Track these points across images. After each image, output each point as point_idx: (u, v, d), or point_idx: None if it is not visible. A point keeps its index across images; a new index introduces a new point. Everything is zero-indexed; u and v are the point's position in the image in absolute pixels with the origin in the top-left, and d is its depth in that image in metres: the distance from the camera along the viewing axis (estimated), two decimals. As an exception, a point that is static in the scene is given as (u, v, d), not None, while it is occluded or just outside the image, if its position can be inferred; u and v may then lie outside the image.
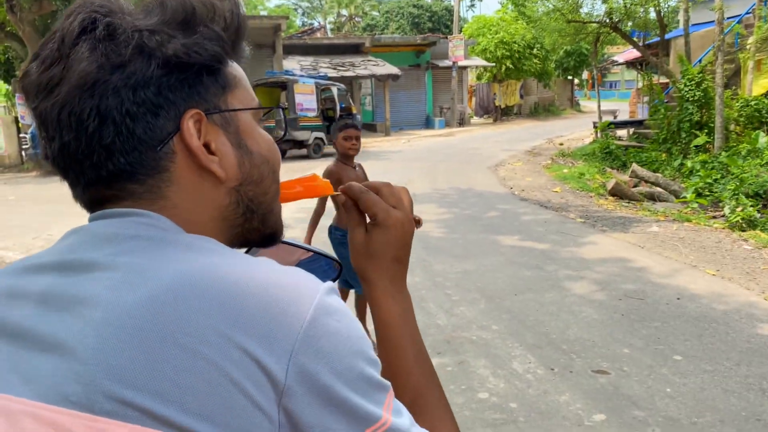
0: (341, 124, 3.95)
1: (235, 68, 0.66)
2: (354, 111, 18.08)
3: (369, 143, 19.99)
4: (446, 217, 8.12)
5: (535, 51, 28.38)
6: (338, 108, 17.31)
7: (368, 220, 0.72)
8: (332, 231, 4.00)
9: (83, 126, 0.56)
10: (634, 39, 16.87)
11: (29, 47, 15.96)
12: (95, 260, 0.53)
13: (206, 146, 0.60)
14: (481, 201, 9.36)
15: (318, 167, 14.15)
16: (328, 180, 0.78)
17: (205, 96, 0.60)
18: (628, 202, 9.11)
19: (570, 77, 36.57)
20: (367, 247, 0.70)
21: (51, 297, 0.52)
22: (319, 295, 0.52)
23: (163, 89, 0.57)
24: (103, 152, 0.56)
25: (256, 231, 0.66)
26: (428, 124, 26.73)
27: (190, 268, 0.51)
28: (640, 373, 3.53)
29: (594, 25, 16.23)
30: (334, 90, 17.49)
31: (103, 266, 0.52)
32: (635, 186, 10.17)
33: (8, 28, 16.54)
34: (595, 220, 7.78)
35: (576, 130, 22.53)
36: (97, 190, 0.59)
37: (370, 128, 24.47)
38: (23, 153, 16.47)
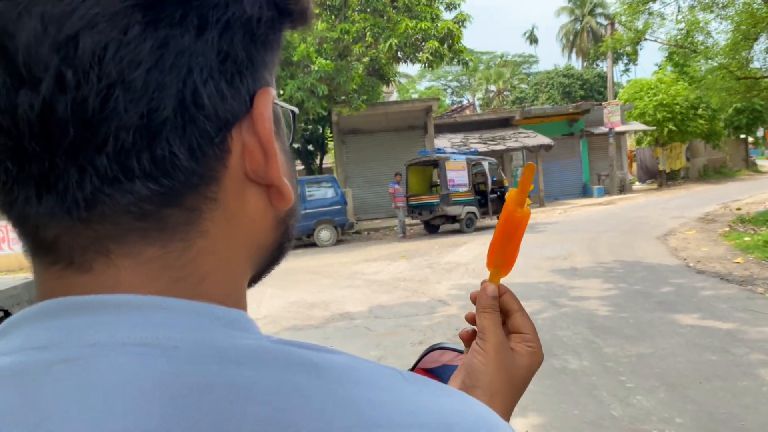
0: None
1: None
2: (506, 183, 18.07)
3: (524, 215, 19.65)
4: (613, 294, 7.64)
5: (700, 111, 26.73)
6: (490, 181, 17.44)
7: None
8: None
9: (118, 75, 0.31)
10: (819, 91, 15.34)
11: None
12: None
13: None
14: (651, 275, 8.72)
15: (471, 241, 14.15)
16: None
17: (272, 72, 0.39)
18: (829, 274, 8.02)
19: (743, 136, 33.82)
20: (508, 363, 0.57)
21: None
22: None
23: (253, 41, 0.35)
24: (142, 133, 0.31)
25: (256, 275, 0.43)
26: (585, 192, 25.84)
27: None
28: None
29: (768, 79, 15.02)
30: (485, 164, 17.63)
31: None
32: (836, 254, 8.95)
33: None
34: (790, 295, 6.91)
35: (755, 192, 20.53)
36: (95, 216, 0.32)
37: (524, 200, 24.14)
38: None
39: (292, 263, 13.44)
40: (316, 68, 15.34)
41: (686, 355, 5.10)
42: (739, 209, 16.09)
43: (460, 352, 0.74)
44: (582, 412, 4.04)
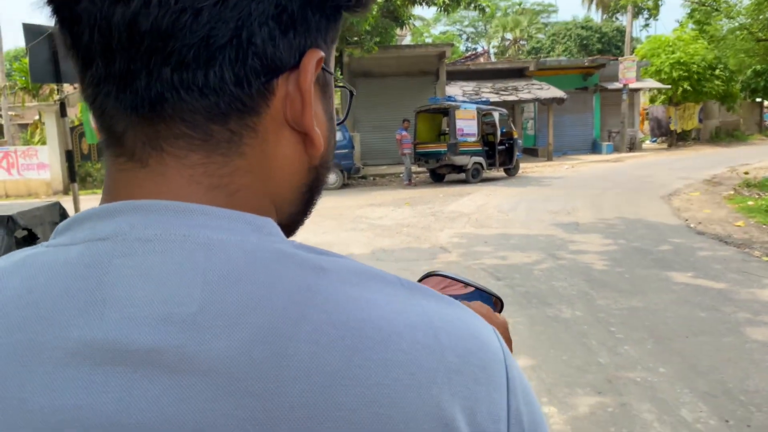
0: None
1: None
2: (515, 135, 17.94)
3: (529, 168, 19.68)
4: (612, 249, 7.78)
5: (717, 72, 26.25)
6: (499, 133, 17.29)
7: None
8: None
9: (193, 3, 0.37)
10: (840, 57, 15.05)
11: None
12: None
13: None
14: (651, 233, 8.84)
15: (476, 192, 14.23)
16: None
17: (327, 40, 0.44)
18: (827, 241, 8.11)
19: (759, 99, 33.28)
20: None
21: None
22: (504, 350, 0.44)
23: (309, 3, 0.41)
24: (202, 53, 0.38)
25: (288, 221, 0.48)
26: (595, 148, 25.70)
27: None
28: (834, 436, 3.16)
29: (789, 43, 14.72)
30: (496, 115, 17.48)
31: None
32: (837, 223, 9.02)
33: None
34: (785, 260, 7.03)
35: (765, 157, 20.40)
36: (156, 119, 0.40)
37: (531, 153, 24.06)
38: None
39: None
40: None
41: (676, 310, 5.27)
42: (746, 173, 16.05)
43: (456, 280, 0.78)
44: (570, 358, 4.22)
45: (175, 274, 0.36)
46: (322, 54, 0.43)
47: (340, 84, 0.51)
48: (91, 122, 11.20)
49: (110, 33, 0.38)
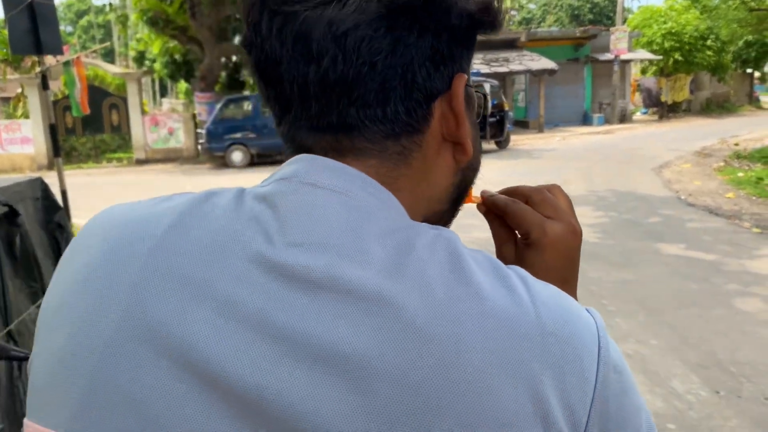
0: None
1: None
2: (506, 107, 17.84)
3: (520, 140, 19.60)
4: (603, 221, 7.78)
5: (709, 42, 26.10)
6: (490, 104, 17.05)
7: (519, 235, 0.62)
8: None
9: (370, 58, 0.47)
10: (832, 27, 14.96)
11: (207, 50, 17.53)
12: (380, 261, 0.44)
13: None
14: (642, 205, 8.84)
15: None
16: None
17: (467, 62, 0.54)
18: (817, 212, 8.14)
19: (750, 70, 33.22)
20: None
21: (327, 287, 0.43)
22: (598, 331, 0.47)
23: (455, 41, 0.50)
24: (379, 95, 0.48)
25: (435, 218, 0.55)
26: (585, 120, 25.62)
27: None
28: (824, 406, 3.18)
29: (782, 12, 14.60)
30: (487, 86, 17.33)
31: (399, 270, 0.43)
32: (826, 194, 9.06)
33: (190, 33, 18.25)
34: (775, 231, 7.05)
35: (755, 129, 20.43)
36: (341, 135, 0.50)
37: (522, 125, 23.95)
38: (199, 147, 18.08)
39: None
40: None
41: (668, 282, 5.28)
42: (736, 145, 16.07)
43: None
44: (562, 331, 4.22)
45: (333, 215, 0.45)
46: (467, 76, 0.53)
47: (472, 86, 0.58)
48: (76, 96, 11.01)
49: (307, 86, 0.48)
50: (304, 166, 0.49)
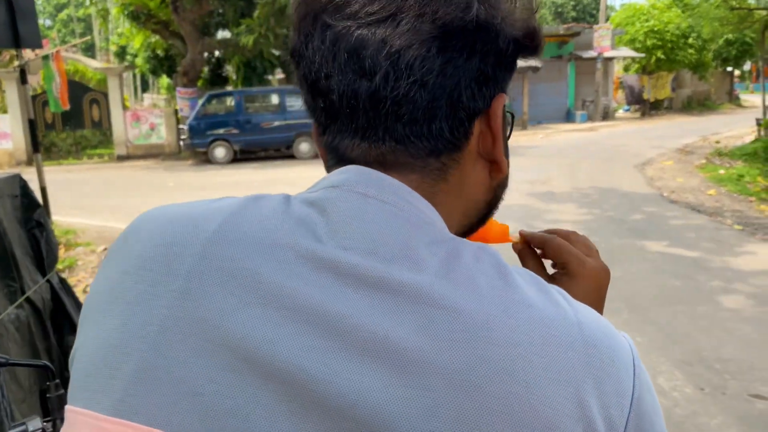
0: None
1: None
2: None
3: (505, 137, 19.60)
4: (587, 218, 7.81)
5: (690, 40, 26.35)
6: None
7: (550, 271, 0.67)
8: None
9: (420, 77, 0.49)
10: (811, 26, 15.17)
11: (189, 44, 17.35)
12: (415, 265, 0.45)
13: None
14: (625, 202, 8.90)
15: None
16: (505, 225, 0.69)
17: (507, 83, 0.56)
18: (796, 209, 8.25)
19: (730, 69, 33.61)
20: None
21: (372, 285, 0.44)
22: (633, 351, 0.49)
23: (499, 64, 0.53)
24: (427, 113, 0.50)
25: (462, 230, 0.58)
26: (569, 117, 25.77)
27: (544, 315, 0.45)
28: (807, 402, 3.21)
29: (762, 12, 14.77)
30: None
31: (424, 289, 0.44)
32: (805, 191, 9.17)
33: (172, 28, 18.06)
34: (756, 228, 7.13)
35: (735, 126, 20.67)
36: (385, 150, 0.52)
37: (507, 122, 24.01)
38: (181, 143, 17.91)
39: (271, 174, 13.41)
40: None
41: (652, 280, 5.31)
42: (717, 142, 16.25)
43: None
44: (548, 329, 4.22)
45: (382, 223, 0.47)
46: (506, 97, 0.55)
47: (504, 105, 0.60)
48: (54, 91, 10.82)
49: (356, 100, 0.50)
50: (354, 176, 0.50)
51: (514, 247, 0.68)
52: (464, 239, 0.50)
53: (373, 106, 0.50)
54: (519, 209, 8.19)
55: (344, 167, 0.52)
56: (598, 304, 0.63)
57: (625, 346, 0.48)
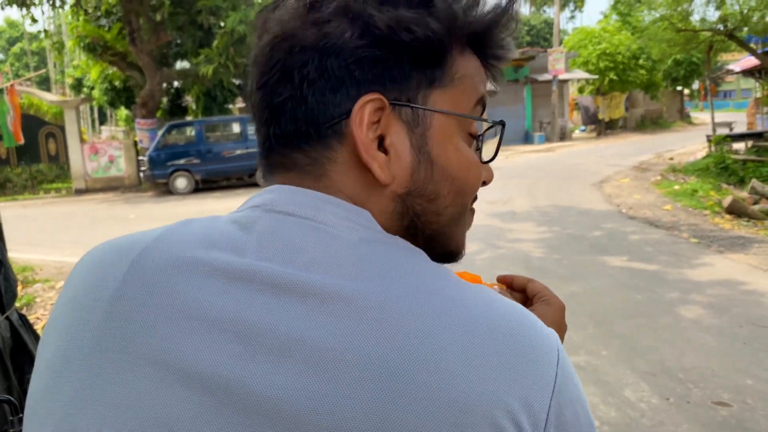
0: None
1: (467, 64, 0.57)
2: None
3: (467, 160, 19.86)
4: (548, 236, 7.94)
5: (641, 61, 27.27)
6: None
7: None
8: None
9: (268, 77, 0.54)
10: (752, 46, 15.86)
11: (147, 75, 17.21)
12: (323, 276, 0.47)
13: (382, 138, 0.53)
14: (585, 219, 9.08)
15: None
16: (477, 275, 0.74)
17: (402, 83, 0.53)
18: (748, 221, 8.54)
19: (680, 88, 34.81)
20: None
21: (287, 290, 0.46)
22: (558, 343, 0.49)
23: (352, 63, 0.51)
24: (278, 110, 0.54)
25: (425, 249, 0.55)
26: (527, 139, 26.28)
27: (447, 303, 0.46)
28: (766, 407, 3.29)
29: (707, 33, 15.41)
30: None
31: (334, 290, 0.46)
32: (755, 203, 9.52)
33: (129, 59, 17.91)
34: (711, 240, 7.35)
35: (687, 143, 21.38)
36: (273, 149, 0.56)
37: (468, 145, 24.33)
38: (141, 174, 17.66)
39: (234, 203, 13.27)
40: (260, 0, 14.86)
41: (614, 294, 5.41)
42: (671, 159, 16.76)
43: None
44: (515, 346, 4.26)
45: (300, 236, 0.49)
46: (379, 96, 0.52)
47: (479, 118, 0.59)
48: (8, 125, 10.58)
49: (259, 109, 0.56)
50: (276, 196, 0.53)
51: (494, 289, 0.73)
52: (393, 238, 0.52)
53: (261, 113, 0.56)
54: (483, 229, 8.29)
55: (267, 188, 0.55)
56: (561, 324, 0.70)
57: (547, 338, 0.49)
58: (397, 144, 0.53)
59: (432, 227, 0.57)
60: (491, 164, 0.64)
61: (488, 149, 0.65)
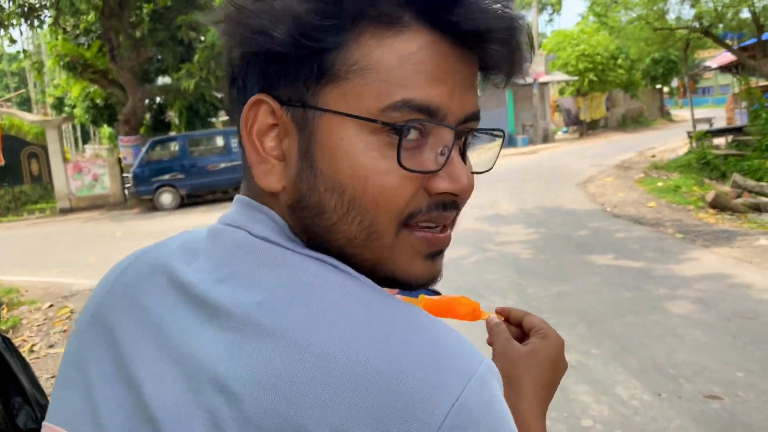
0: None
1: (381, 53, 0.46)
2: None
3: (452, 165, 19.91)
4: (534, 237, 7.98)
5: (619, 61, 27.55)
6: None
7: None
8: None
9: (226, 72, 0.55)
10: (728, 42, 16.08)
11: (129, 92, 17.13)
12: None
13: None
14: (570, 219, 9.13)
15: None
16: (476, 302, 0.71)
17: (293, 81, 0.48)
18: (731, 215, 8.63)
19: (659, 86, 35.17)
20: (528, 354, 0.65)
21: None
22: (476, 377, 0.46)
23: (243, 64, 0.51)
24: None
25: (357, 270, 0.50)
26: (511, 142, 26.39)
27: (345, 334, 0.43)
28: (757, 399, 3.32)
29: (683, 31, 15.60)
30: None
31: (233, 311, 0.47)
32: (738, 197, 9.62)
33: (110, 76, 17.81)
34: (696, 235, 7.42)
35: (668, 140, 21.58)
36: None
37: (453, 150, 24.39)
38: (126, 191, 17.53)
39: (214, 216, 13.20)
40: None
41: (602, 292, 5.44)
42: (653, 156, 16.91)
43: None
44: (507, 349, 4.26)
45: (230, 249, 0.51)
46: (258, 99, 0.50)
47: (373, 120, 0.47)
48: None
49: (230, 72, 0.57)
50: (233, 208, 0.56)
51: (489, 321, 0.70)
52: (308, 263, 0.49)
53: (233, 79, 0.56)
54: (471, 233, 8.31)
55: (234, 203, 0.58)
56: (557, 374, 0.67)
57: (451, 372, 0.45)
58: (290, 149, 0.49)
59: (333, 245, 0.50)
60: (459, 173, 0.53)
61: (485, 157, 0.60)
